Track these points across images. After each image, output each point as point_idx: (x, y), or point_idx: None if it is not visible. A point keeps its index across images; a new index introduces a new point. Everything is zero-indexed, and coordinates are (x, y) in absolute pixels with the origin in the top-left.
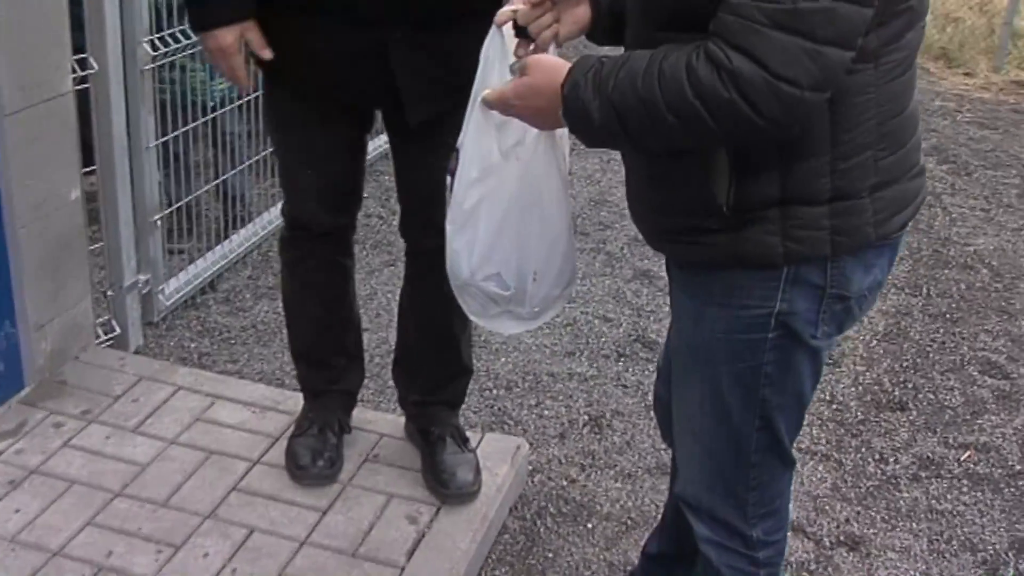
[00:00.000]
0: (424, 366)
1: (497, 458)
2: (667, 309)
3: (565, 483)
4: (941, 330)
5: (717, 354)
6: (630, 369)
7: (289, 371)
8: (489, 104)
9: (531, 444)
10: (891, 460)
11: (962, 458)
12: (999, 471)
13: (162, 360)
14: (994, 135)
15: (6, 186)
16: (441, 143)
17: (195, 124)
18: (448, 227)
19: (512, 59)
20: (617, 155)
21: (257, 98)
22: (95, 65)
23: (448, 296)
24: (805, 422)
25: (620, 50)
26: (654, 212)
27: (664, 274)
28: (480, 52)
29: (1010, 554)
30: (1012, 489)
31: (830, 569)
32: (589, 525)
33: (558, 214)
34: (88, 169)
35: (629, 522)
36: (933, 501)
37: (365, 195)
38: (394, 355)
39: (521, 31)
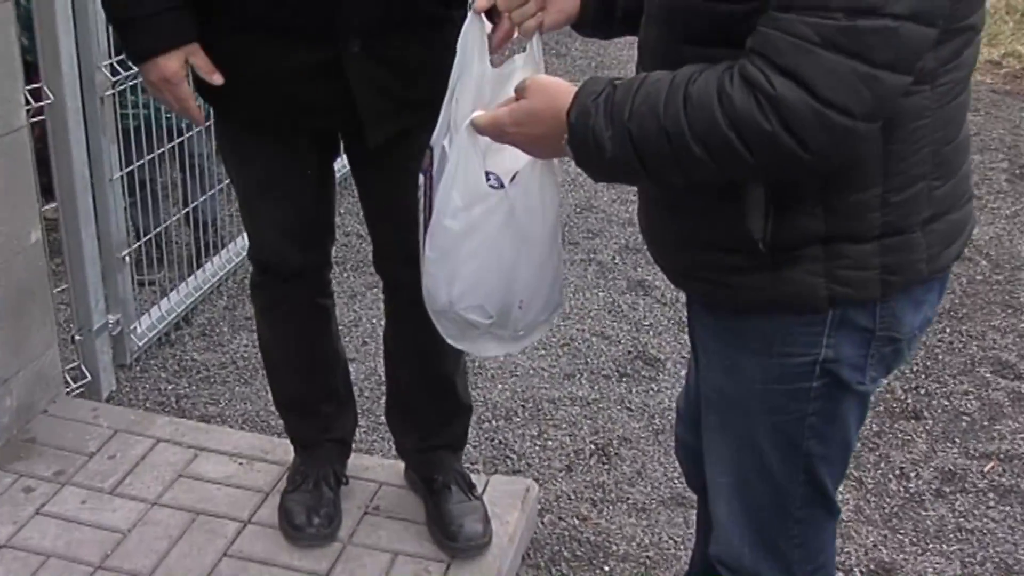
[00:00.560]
0: (419, 410)
1: (506, 503)
2: (666, 322)
3: (577, 522)
4: (948, 329)
5: (754, 406)
6: (633, 390)
7: (275, 411)
8: (480, 129)
9: (537, 480)
10: (912, 475)
11: (985, 469)
12: None
13: (138, 408)
14: (975, 117)
15: None
16: (405, 168)
17: (163, 150)
18: (426, 250)
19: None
20: None
21: None
22: (51, 95)
23: (436, 334)
24: None
25: (612, 52)
26: (678, 248)
27: (660, 284)
28: (444, 65)
29: None
30: None
31: None
32: (606, 568)
33: (548, 242)
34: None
35: (647, 561)
36: (961, 519)
37: (341, 211)
38: (386, 401)
39: (491, 15)
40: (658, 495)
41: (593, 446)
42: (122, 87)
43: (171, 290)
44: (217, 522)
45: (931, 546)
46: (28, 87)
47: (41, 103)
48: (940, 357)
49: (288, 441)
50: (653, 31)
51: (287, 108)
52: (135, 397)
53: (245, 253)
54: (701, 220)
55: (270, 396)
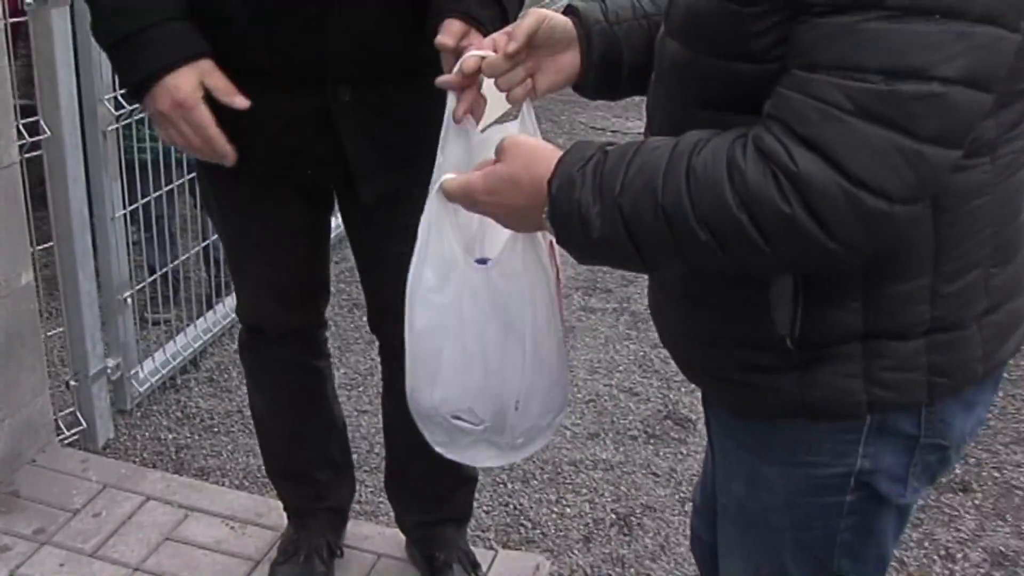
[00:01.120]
0: (419, 482)
1: None
2: None
3: None
4: (1000, 392)
5: (779, 520)
6: (660, 452)
7: None
8: (450, 196)
9: (552, 551)
10: (959, 556)
11: None
12: None
13: (134, 457)
14: None
15: None
16: (402, 225)
17: (173, 185)
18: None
19: (486, 119)
20: None
21: None
22: (47, 129)
23: None
24: None
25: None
26: (692, 340)
27: None
28: (441, 116)
29: None
30: None
31: None
32: None
33: (543, 331)
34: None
35: None
36: None
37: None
38: (385, 471)
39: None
40: (682, 572)
41: (614, 515)
42: (127, 121)
43: (178, 332)
44: None
45: None
46: (24, 120)
47: (37, 138)
48: (991, 423)
49: None
50: (663, 91)
51: (273, 156)
52: (132, 446)
53: None
54: (719, 312)
55: None
